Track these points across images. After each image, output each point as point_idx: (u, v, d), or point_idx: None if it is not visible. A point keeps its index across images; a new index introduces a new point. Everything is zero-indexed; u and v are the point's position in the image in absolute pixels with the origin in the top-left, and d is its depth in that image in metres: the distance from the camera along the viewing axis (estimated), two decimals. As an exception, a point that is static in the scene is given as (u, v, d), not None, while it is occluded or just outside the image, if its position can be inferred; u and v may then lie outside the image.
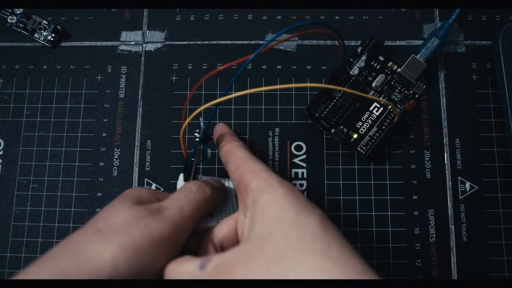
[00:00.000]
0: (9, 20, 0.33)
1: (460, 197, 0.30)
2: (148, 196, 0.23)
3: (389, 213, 0.30)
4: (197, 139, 0.24)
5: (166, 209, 0.22)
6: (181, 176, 0.26)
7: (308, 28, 0.24)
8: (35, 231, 0.31)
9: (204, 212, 0.24)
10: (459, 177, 0.31)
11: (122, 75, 0.33)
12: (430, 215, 0.30)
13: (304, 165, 0.31)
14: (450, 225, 0.30)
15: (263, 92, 0.32)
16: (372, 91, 0.31)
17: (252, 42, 0.33)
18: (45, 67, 0.33)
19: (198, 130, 0.26)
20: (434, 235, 0.30)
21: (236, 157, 0.23)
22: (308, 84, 0.23)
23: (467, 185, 0.31)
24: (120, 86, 0.33)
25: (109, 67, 0.33)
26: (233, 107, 0.32)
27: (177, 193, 0.23)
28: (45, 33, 0.33)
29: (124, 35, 0.34)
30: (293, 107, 0.32)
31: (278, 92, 0.32)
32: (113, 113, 0.32)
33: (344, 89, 0.25)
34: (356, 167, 0.31)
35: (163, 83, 0.33)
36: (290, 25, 0.33)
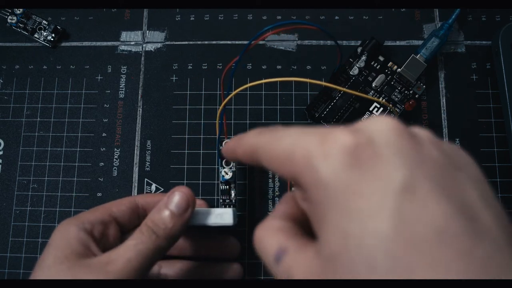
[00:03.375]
0: (9, 20, 0.33)
1: (460, 197, 0.30)
2: (81, 243, 0.22)
3: (389, 213, 0.30)
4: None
5: (112, 262, 0.21)
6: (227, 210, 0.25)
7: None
8: (35, 231, 0.31)
9: (157, 260, 0.22)
10: (459, 177, 0.31)
11: (122, 75, 0.33)
12: (430, 215, 0.30)
13: (304, 165, 0.31)
14: (450, 225, 0.30)
15: (263, 93, 0.32)
16: (372, 91, 0.31)
17: (252, 42, 0.33)
18: (45, 67, 0.33)
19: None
20: (434, 235, 0.30)
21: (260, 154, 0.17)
22: (309, 80, 0.24)
23: (467, 185, 0.30)
24: (120, 86, 0.33)
25: (109, 67, 0.33)
26: (233, 107, 0.32)
27: (128, 242, 0.22)
28: (45, 33, 0.33)
29: (124, 35, 0.34)
30: (293, 107, 0.32)
31: (278, 92, 0.32)
32: (113, 113, 0.32)
33: (344, 89, 0.25)
34: (356, 167, 0.31)
35: (163, 83, 0.33)
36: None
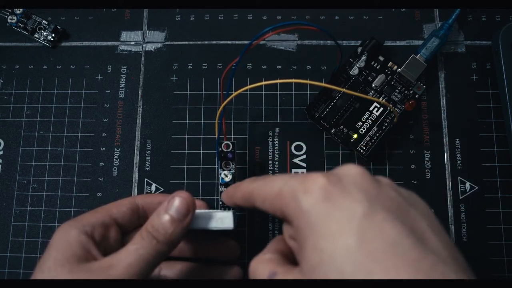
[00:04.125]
0: (9, 20, 0.33)
1: (460, 197, 0.30)
2: (81, 247, 0.22)
3: (389, 213, 0.30)
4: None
5: (113, 267, 0.21)
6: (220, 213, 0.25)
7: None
8: (35, 231, 0.31)
9: (158, 264, 0.22)
10: (459, 177, 0.31)
11: (122, 75, 0.33)
12: (430, 215, 0.30)
13: (304, 165, 0.31)
14: (450, 225, 0.30)
15: (263, 93, 0.32)
16: (372, 91, 0.31)
17: (253, 42, 0.33)
18: (45, 67, 0.33)
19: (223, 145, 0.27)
20: (434, 235, 0.30)
21: (250, 189, 0.21)
22: (309, 81, 0.24)
23: (467, 185, 0.31)
24: (120, 86, 0.33)
25: (109, 67, 0.33)
26: (233, 107, 0.32)
27: (129, 246, 0.22)
28: (45, 33, 0.33)
29: (124, 35, 0.34)
30: (293, 107, 0.32)
31: (278, 92, 0.32)
32: (113, 113, 0.32)
33: (344, 90, 0.25)
34: (356, 167, 0.31)
35: (163, 83, 0.33)
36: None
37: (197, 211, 0.24)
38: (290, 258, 0.20)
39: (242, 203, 0.22)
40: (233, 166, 0.28)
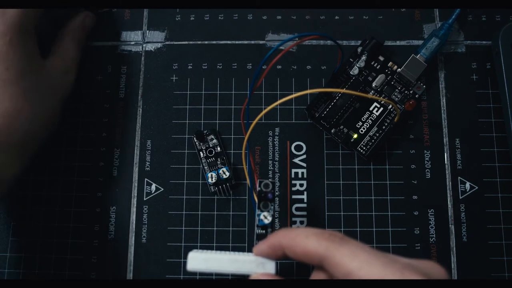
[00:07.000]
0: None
1: (460, 197, 0.30)
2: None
3: (389, 213, 0.30)
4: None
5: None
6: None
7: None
8: (35, 231, 0.31)
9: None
10: (459, 177, 0.31)
11: (122, 75, 0.33)
12: (430, 215, 0.30)
13: (304, 165, 0.31)
14: (450, 225, 0.30)
15: (263, 93, 0.32)
16: (372, 91, 0.31)
17: (252, 42, 0.33)
18: (45, 67, 0.33)
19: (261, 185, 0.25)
20: (434, 235, 0.30)
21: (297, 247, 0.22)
22: (325, 89, 0.24)
23: (467, 185, 0.31)
24: (120, 86, 0.33)
25: (109, 67, 0.33)
26: (233, 107, 0.32)
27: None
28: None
29: (124, 35, 0.34)
30: (293, 107, 0.32)
31: (278, 92, 0.32)
32: (113, 113, 0.32)
33: (345, 91, 0.25)
34: (356, 167, 0.31)
35: (163, 83, 0.33)
36: (290, 26, 0.33)
37: (224, 255, 0.24)
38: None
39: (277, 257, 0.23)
40: (272, 207, 0.26)
